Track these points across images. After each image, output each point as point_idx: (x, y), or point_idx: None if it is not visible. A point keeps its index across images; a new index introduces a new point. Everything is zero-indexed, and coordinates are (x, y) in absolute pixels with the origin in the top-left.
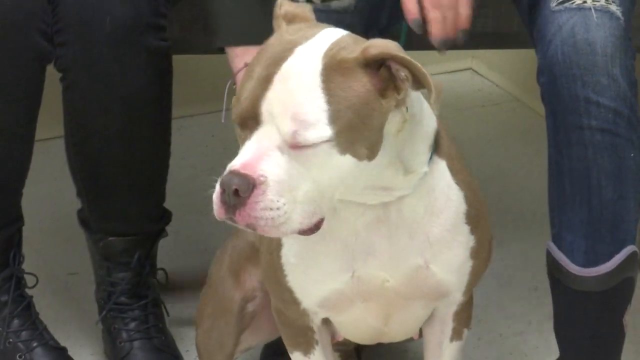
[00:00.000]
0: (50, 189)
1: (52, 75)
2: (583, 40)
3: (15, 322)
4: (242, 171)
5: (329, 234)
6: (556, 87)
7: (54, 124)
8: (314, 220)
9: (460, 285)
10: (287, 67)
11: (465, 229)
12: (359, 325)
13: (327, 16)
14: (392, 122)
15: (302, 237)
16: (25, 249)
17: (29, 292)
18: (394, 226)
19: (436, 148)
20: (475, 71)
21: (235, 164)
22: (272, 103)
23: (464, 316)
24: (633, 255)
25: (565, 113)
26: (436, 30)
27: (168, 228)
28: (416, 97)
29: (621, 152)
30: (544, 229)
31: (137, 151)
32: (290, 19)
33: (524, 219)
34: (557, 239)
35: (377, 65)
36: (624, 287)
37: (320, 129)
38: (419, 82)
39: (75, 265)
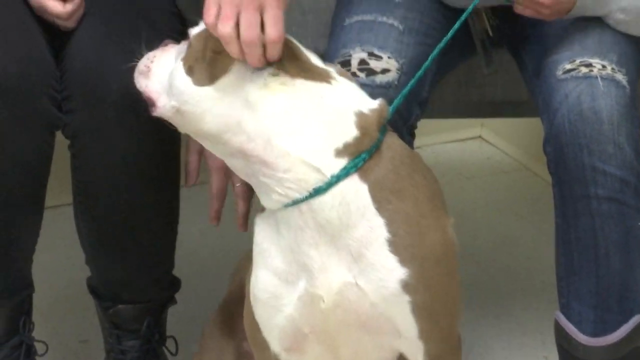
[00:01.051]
0: (60, 257)
1: (64, 142)
2: (589, 109)
3: None
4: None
5: (276, 249)
6: (563, 156)
7: (65, 191)
8: (150, 95)
9: (406, 324)
10: None
11: (391, 257)
12: None
13: (371, 90)
14: (255, 76)
15: (269, 266)
16: (36, 316)
17: (39, 359)
18: (316, 233)
19: (359, 167)
20: (485, 139)
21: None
22: None
23: None
24: None
25: (572, 182)
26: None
27: (178, 295)
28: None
29: (628, 222)
30: (553, 297)
31: (145, 218)
32: None
33: (534, 288)
34: (565, 309)
35: None
36: (632, 358)
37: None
38: None
39: (86, 332)
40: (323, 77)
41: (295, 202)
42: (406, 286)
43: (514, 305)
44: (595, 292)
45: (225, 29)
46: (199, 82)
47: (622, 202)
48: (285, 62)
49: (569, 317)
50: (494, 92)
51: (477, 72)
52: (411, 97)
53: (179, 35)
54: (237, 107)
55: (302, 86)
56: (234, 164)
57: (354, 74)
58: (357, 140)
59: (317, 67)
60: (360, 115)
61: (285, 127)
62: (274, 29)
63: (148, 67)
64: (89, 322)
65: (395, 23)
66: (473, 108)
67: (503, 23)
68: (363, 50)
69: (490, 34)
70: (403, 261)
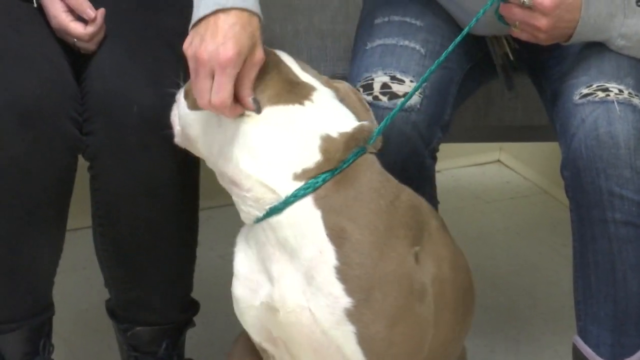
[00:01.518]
0: (79, 279)
1: (82, 164)
2: (606, 134)
3: None
4: None
5: (246, 259)
6: (580, 180)
7: (84, 214)
8: (172, 123)
9: (354, 356)
10: None
11: (337, 285)
12: None
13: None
14: None
15: (238, 272)
16: (54, 339)
17: None
18: (276, 250)
19: (317, 190)
20: (503, 163)
21: None
22: None
23: None
24: None
25: (589, 206)
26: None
27: (196, 318)
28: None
29: None
30: (573, 322)
31: (164, 240)
32: None
33: (553, 312)
34: (583, 333)
35: None
36: None
37: None
38: None
39: (104, 355)
40: (299, 97)
41: (257, 220)
42: (351, 316)
43: (533, 329)
44: (612, 315)
45: (198, 99)
46: (191, 106)
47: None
48: (257, 94)
49: (586, 341)
50: (513, 116)
51: (496, 96)
52: (433, 120)
53: None
54: (216, 133)
55: (270, 113)
56: (223, 185)
57: (376, 98)
58: (319, 165)
59: (297, 87)
60: (326, 139)
61: (249, 152)
62: (214, 97)
63: (178, 97)
64: (107, 344)
65: (417, 47)
66: (492, 132)
67: (522, 47)
68: (385, 73)
69: (511, 57)
70: (349, 290)
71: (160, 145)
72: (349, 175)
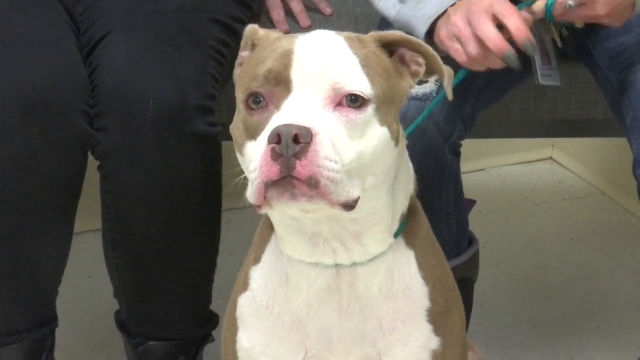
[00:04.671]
0: (84, 288)
1: (89, 161)
2: None
3: None
4: (297, 123)
5: (281, 306)
6: None
7: (89, 216)
8: (355, 194)
9: None
10: (307, 42)
11: (426, 327)
12: None
13: (407, 103)
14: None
15: (257, 318)
16: (57, 353)
17: None
18: (345, 300)
19: (403, 230)
20: (556, 161)
21: (283, 120)
22: (304, 67)
23: None
24: None
25: None
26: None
27: (215, 332)
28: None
29: None
30: (632, 336)
31: (182, 248)
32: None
33: (610, 325)
34: None
35: (388, 51)
36: None
37: (362, 82)
38: (431, 68)
39: None
40: None
41: (338, 264)
42: (435, 357)
43: (589, 344)
44: None
45: (480, 68)
46: (392, 134)
47: None
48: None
49: None
50: (566, 109)
51: (548, 87)
52: (453, 112)
53: (221, 45)
54: (393, 152)
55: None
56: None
57: None
58: (412, 198)
59: None
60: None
61: (407, 181)
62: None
63: (339, 174)
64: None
65: None
66: (543, 127)
67: (574, 34)
68: None
69: (560, 44)
70: (437, 330)
71: (179, 143)
72: (414, 203)
